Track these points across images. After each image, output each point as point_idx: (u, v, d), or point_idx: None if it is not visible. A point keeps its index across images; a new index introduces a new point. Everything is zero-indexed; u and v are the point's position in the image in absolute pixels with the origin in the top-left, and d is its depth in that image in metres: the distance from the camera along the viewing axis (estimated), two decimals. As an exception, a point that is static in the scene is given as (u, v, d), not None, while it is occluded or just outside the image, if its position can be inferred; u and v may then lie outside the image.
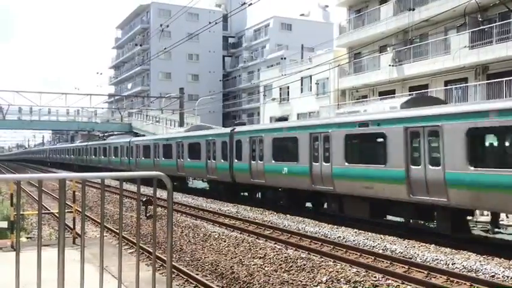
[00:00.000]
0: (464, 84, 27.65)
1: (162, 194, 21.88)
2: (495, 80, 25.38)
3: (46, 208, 21.53)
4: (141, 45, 72.99)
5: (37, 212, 4.60)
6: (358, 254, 12.11)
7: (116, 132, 64.97)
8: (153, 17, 71.38)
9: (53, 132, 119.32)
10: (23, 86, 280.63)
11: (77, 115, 65.83)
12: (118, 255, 4.45)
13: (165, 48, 36.82)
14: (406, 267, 10.73)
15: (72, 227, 12.18)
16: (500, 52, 25.06)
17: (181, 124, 42.46)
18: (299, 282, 9.91)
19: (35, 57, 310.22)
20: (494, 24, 25.73)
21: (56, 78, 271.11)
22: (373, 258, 11.64)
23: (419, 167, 13.19)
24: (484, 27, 25.57)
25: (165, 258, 9.49)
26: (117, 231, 14.88)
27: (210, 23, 23.91)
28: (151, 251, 11.31)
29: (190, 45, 65.12)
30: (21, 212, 16.29)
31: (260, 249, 13.03)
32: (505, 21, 25.10)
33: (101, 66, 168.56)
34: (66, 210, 12.59)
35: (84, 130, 68.54)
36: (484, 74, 27.11)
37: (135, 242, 5.51)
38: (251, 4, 18.77)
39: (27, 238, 13.29)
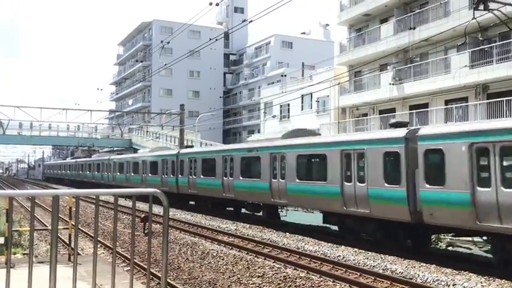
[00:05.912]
0: (464, 104, 27.67)
1: (161, 210, 21.62)
2: (495, 100, 25.40)
3: (43, 224, 21.36)
4: (142, 62, 73.32)
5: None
6: (358, 273, 11.96)
7: (115, 148, 64.77)
8: (155, 34, 71.82)
9: (53, 148, 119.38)
10: (24, 101, 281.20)
11: (77, 131, 65.85)
12: (111, 271, 4.35)
13: (165, 65, 36.93)
14: (407, 287, 10.57)
15: (69, 243, 12.02)
16: (500, 72, 25.12)
17: (181, 141, 42.19)
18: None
19: (36, 72, 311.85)
20: (494, 44, 25.83)
21: (56, 93, 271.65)
22: (373, 278, 11.49)
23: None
24: (485, 46, 25.65)
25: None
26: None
27: (210, 39, 24.00)
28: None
29: (192, 62, 65.54)
30: (17, 228, 16.15)
31: (259, 267, 12.87)
32: (506, 41, 25.20)
33: (101, 83, 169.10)
34: (63, 227, 12.31)
35: (85, 145, 68.52)
36: (485, 93, 27.14)
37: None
38: (252, 21, 18.84)
39: (23, 254, 13.11)
